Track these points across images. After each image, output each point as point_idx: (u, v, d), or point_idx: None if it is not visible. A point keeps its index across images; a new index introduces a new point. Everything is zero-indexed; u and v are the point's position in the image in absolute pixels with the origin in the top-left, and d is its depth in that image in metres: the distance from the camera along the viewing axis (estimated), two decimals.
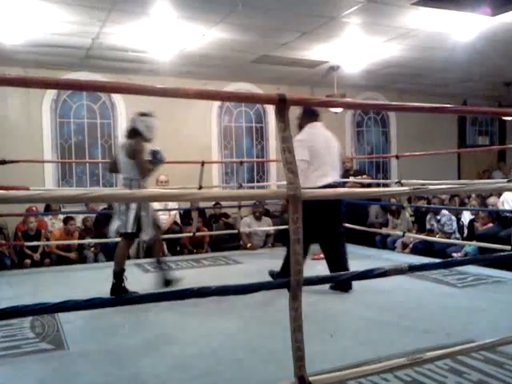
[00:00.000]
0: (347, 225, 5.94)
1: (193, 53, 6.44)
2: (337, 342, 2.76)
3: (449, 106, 1.92)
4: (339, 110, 7.82)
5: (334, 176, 3.95)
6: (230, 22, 5.32)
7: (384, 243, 6.76)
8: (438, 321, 3.06)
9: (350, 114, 9.46)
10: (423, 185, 3.51)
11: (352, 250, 5.82)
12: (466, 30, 5.58)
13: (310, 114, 4.00)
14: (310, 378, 1.50)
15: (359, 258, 5.11)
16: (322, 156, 3.88)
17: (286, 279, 1.45)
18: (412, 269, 1.71)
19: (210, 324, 3.14)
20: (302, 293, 1.46)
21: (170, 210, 6.48)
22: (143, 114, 4.08)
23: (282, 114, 1.34)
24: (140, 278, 4.69)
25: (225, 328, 3.04)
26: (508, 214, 5.14)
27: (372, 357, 2.38)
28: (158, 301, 1.46)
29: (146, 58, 6.56)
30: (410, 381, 2.21)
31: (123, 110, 7.81)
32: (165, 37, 5.70)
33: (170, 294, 1.44)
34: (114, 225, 3.90)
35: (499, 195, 5.81)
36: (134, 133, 3.97)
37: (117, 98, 7.78)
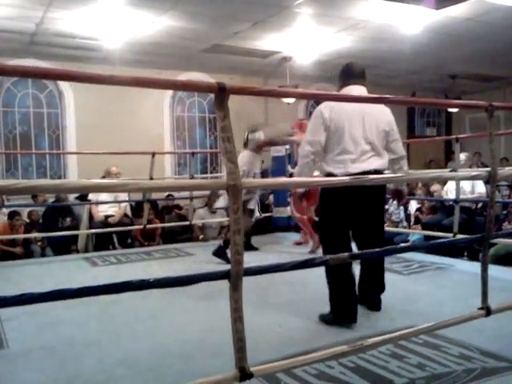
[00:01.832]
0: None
1: (143, 41, 6.31)
2: (285, 331, 2.78)
3: (393, 96, 1.95)
4: (291, 100, 7.87)
5: (373, 161, 2.85)
6: (179, 10, 5.22)
7: None
8: (383, 307, 3.13)
9: (302, 104, 9.54)
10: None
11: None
12: (412, 22, 5.72)
13: (344, 76, 3.03)
14: (252, 369, 1.50)
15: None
16: (348, 134, 2.83)
17: (226, 270, 1.44)
18: (352, 257, 1.73)
19: (157, 317, 3.09)
20: (242, 283, 1.46)
21: (120, 201, 6.33)
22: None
23: (221, 103, 1.32)
24: (89, 271, 4.59)
25: (172, 321, 3.01)
26: (450, 203, 5.33)
27: (317, 345, 2.41)
28: (96, 294, 1.42)
29: (94, 45, 6.37)
30: (353, 367, 2.25)
31: (71, 99, 7.57)
32: (113, 23, 5.55)
33: (108, 288, 1.39)
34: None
35: (444, 184, 6.02)
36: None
37: (65, 86, 7.53)
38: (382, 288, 3.15)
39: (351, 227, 3.01)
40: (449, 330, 2.40)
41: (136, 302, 3.15)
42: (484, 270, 2.28)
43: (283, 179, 2.31)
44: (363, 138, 2.86)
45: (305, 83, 8.51)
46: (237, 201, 1.33)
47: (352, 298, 2.86)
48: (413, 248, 4.11)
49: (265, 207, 7.04)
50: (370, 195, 2.87)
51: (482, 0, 4.99)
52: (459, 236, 4.31)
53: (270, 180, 2.01)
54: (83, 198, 6.57)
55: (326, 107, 2.87)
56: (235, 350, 1.50)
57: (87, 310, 3.10)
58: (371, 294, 3.11)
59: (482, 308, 2.22)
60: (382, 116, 2.98)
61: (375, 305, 3.09)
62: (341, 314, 2.82)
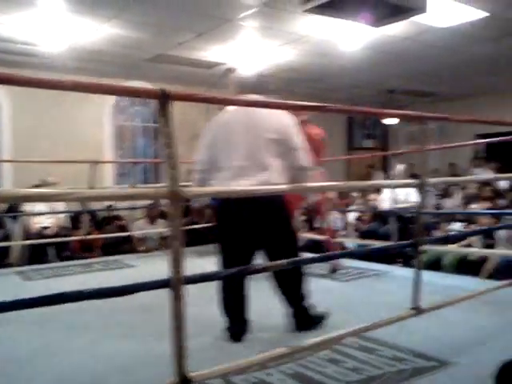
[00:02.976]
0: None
1: (85, 48, 6.19)
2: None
3: (330, 105, 2.04)
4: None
5: (252, 178, 2.51)
6: (123, 19, 5.18)
7: None
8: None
9: None
10: None
11: None
12: (352, 39, 5.96)
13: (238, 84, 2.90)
14: (191, 374, 1.51)
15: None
16: (226, 150, 2.62)
17: (166, 279, 1.44)
18: (289, 264, 1.78)
19: (93, 331, 3.00)
20: (183, 292, 1.46)
21: (57, 212, 6.12)
22: None
23: (163, 109, 1.34)
24: (22, 286, 4.38)
25: (110, 334, 2.93)
26: (385, 212, 5.58)
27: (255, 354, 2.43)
28: (29, 307, 1.37)
29: (34, 50, 6.18)
30: (292, 373, 2.29)
31: (10, 107, 7.29)
32: (54, 29, 5.42)
33: (41, 300, 1.36)
34: None
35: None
36: None
37: (1, 93, 7.24)
38: (292, 306, 2.84)
39: (246, 246, 2.72)
40: (384, 333, 2.51)
41: (72, 317, 3.04)
42: (417, 273, 2.42)
43: (231, 188, 2.31)
44: (242, 153, 2.56)
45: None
46: (178, 208, 1.35)
47: (235, 317, 2.77)
48: (343, 255, 4.25)
49: None
50: (251, 212, 2.57)
51: (417, 21, 5.27)
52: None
53: (215, 188, 2.00)
54: (13, 209, 6.27)
55: (211, 123, 2.77)
56: (175, 358, 1.50)
57: (18, 327, 2.97)
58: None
59: (413, 308, 2.35)
60: (271, 124, 2.61)
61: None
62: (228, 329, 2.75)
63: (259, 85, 2.98)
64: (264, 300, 3.00)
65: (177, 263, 1.42)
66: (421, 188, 2.09)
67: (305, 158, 2.69)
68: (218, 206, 2.75)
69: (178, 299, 1.46)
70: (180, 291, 1.46)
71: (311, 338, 2.01)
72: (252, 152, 2.56)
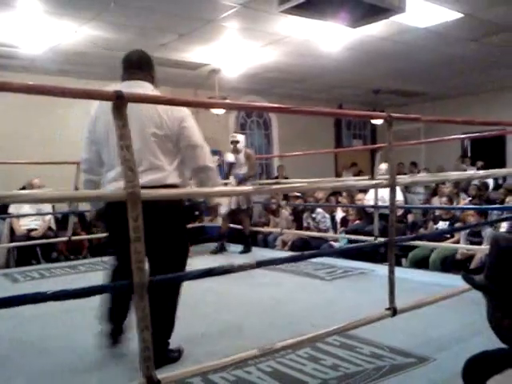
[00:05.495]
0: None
1: (66, 50, 6.14)
2: (204, 338, 2.78)
3: (325, 109, 2.04)
4: (221, 111, 7.94)
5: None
6: (103, 20, 5.15)
7: (266, 242, 6.98)
8: (304, 313, 3.21)
9: (233, 116, 9.64)
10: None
11: (232, 249, 6.05)
12: (332, 39, 5.98)
13: (129, 67, 2.46)
14: (159, 376, 1.50)
15: (233, 256, 5.48)
16: (106, 147, 2.30)
17: (128, 281, 1.43)
18: (259, 264, 1.77)
19: (71, 330, 2.99)
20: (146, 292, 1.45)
21: (43, 214, 6.09)
22: None
23: (119, 111, 1.33)
24: (8, 289, 4.38)
25: (82, 336, 2.91)
26: (371, 211, 5.57)
27: (236, 352, 2.43)
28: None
29: (12, 52, 6.12)
30: (270, 371, 2.30)
31: None
32: (33, 31, 5.37)
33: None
34: None
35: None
36: None
37: None
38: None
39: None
40: (363, 331, 2.52)
41: (55, 317, 3.04)
42: (391, 272, 2.43)
43: (184, 189, 2.24)
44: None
45: (234, 95, 8.61)
46: (136, 208, 1.33)
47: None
48: (322, 254, 4.28)
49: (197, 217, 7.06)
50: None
51: (397, 21, 5.29)
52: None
53: (172, 190, 1.92)
54: (1, 211, 6.26)
55: (91, 115, 2.39)
56: (142, 359, 1.49)
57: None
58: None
59: (388, 308, 2.36)
60: (159, 117, 2.21)
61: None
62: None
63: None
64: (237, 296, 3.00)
65: (139, 263, 1.41)
66: (392, 188, 2.09)
67: (205, 156, 2.35)
68: (105, 210, 2.38)
69: (142, 300, 1.45)
70: (144, 292, 1.44)
71: (286, 340, 2.00)
72: (138, 149, 1.99)
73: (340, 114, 5.22)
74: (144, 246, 1.42)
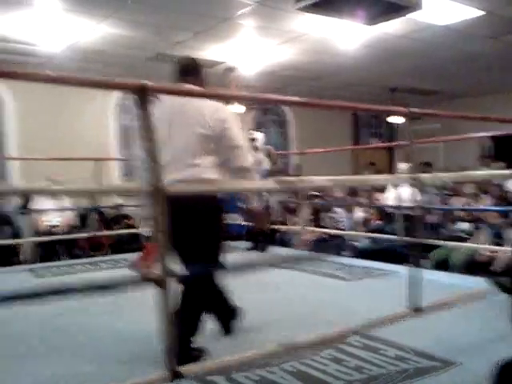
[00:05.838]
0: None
1: (85, 48, 6.17)
2: (212, 337, 2.72)
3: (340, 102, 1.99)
4: (241, 109, 7.89)
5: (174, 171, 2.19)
6: (119, 18, 5.15)
7: (282, 240, 6.90)
8: (322, 313, 3.16)
9: (251, 115, 9.61)
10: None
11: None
12: (350, 37, 5.90)
13: (180, 72, 2.50)
14: (182, 369, 1.47)
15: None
16: (163, 141, 2.14)
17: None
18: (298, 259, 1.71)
19: (100, 327, 2.99)
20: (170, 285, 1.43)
21: (66, 209, 6.15)
22: None
23: (142, 102, 1.29)
24: (33, 283, 4.43)
25: (106, 331, 2.92)
26: (391, 210, 5.49)
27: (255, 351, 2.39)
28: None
29: (30, 50, 6.15)
30: (294, 371, 2.27)
31: (11, 103, 7.29)
32: (51, 29, 5.38)
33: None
34: None
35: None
36: None
37: (2, 88, 7.24)
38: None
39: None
40: (387, 333, 2.47)
41: (82, 313, 3.11)
42: (416, 272, 2.36)
43: (210, 184, 2.18)
44: (170, 148, 2.21)
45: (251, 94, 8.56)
46: (159, 202, 1.29)
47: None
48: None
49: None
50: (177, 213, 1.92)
51: (413, 19, 5.20)
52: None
53: (196, 185, 1.88)
54: (23, 207, 6.36)
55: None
56: (166, 353, 1.47)
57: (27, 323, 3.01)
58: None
59: (412, 308, 2.29)
60: (204, 118, 2.27)
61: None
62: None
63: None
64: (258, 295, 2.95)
65: (162, 259, 1.37)
66: (417, 185, 2.02)
67: (245, 157, 2.36)
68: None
69: (165, 293, 1.42)
70: (168, 285, 1.41)
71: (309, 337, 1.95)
72: (181, 148, 2.26)
73: (358, 108, 5.18)
74: (172, 239, 1.39)
